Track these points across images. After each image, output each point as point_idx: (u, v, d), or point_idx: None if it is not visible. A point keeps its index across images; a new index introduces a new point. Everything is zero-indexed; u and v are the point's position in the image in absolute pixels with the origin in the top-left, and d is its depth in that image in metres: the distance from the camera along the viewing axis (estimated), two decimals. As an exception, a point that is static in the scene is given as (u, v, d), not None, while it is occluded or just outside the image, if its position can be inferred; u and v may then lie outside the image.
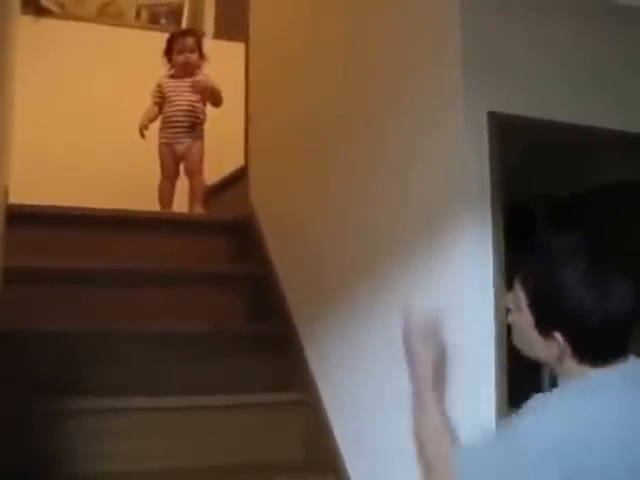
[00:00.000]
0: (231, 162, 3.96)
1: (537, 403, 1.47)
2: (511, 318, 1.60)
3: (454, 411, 2.06)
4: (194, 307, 3.17)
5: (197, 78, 4.17)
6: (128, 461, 2.58)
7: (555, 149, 2.45)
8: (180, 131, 4.13)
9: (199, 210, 4.04)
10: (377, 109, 2.50)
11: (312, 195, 2.99)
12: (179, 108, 4.14)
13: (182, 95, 4.15)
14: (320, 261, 2.88)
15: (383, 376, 2.38)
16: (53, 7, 4.78)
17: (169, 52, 4.19)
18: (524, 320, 1.55)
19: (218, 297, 3.28)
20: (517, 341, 1.63)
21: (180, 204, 4.17)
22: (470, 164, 2.04)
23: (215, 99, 4.18)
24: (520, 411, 1.49)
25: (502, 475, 1.43)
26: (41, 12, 4.70)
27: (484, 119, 2.05)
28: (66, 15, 4.85)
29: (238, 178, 3.89)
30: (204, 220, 3.89)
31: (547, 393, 1.50)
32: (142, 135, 4.11)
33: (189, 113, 4.15)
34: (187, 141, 4.12)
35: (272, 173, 3.49)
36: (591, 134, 2.21)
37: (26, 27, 4.23)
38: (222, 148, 4.00)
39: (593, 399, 1.43)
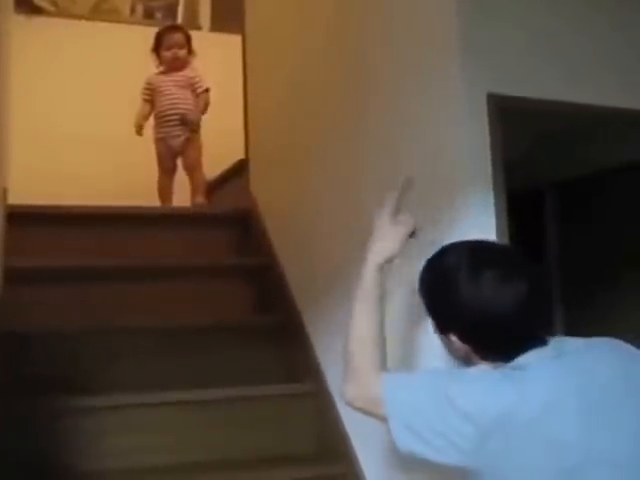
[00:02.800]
0: (232, 155, 3.95)
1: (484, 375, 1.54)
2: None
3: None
4: (199, 301, 3.17)
5: (187, 74, 4.16)
6: (137, 457, 2.58)
7: (558, 129, 2.43)
8: (172, 125, 4.14)
9: (201, 201, 4.05)
10: (374, 94, 2.49)
11: (313, 184, 2.98)
12: (169, 103, 4.13)
13: (171, 89, 4.14)
14: (322, 250, 2.87)
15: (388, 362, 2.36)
16: (46, 5, 4.77)
17: (157, 49, 4.18)
18: (434, 330, 1.68)
19: (222, 290, 3.28)
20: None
21: (180, 198, 4.18)
22: (470, 149, 2.01)
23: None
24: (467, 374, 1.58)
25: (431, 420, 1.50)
26: (35, 11, 4.69)
27: (484, 101, 2.02)
28: (60, 13, 4.85)
29: (239, 171, 3.88)
30: (206, 214, 3.90)
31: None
32: (139, 133, 4.12)
33: (179, 107, 4.14)
34: (181, 135, 4.12)
35: (272, 164, 3.48)
36: (595, 113, 2.19)
37: (20, 26, 4.22)
38: (223, 141, 3.98)
39: (529, 378, 1.49)
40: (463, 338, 1.58)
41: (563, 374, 1.50)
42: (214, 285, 3.27)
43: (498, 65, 2.09)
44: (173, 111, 4.12)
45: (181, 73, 4.17)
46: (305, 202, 3.05)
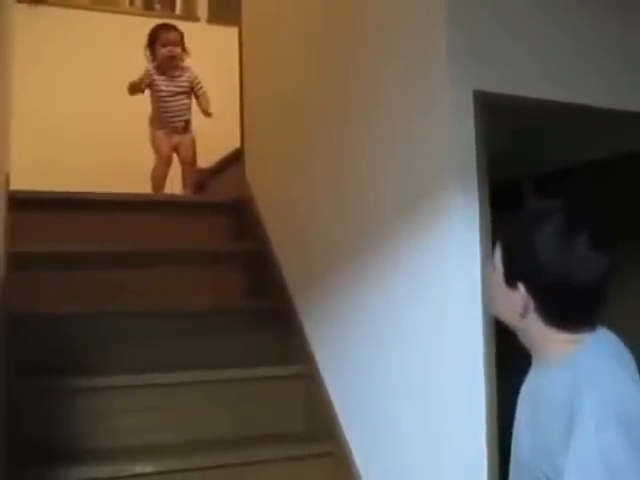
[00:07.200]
0: (228, 145, 4.02)
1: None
2: (489, 277, 1.67)
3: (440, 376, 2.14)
4: (195, 286, 3.24)
5: (188, 78, 4.25)
6: (133, 437, 2.66)
7: (541, 126, 2.51)
8: (178, 131, 4.24)
9: (190, 193, 4.16)
10: (364, 88, 2.56)
11: (305, 173, 3.05)
12: (176, 110, 4.23)
13: (177, 96, 4.23)
14: (313, 237, 2.95)
15: (377, 343, 2.46)
16: (48, -6, 4.82)
17: (152, 45, 4.24)
18: (496, 277, 1.60)
19: (218, 276, 3.35)
20: (489, 300, 1.71)
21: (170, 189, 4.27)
22: (456, 142, 2.09)
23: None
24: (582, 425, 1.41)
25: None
26: (36, 0, 4.74)
27: (470, 97, 2.10)
28: (61, 2, 4.90)
29: (235, 160, 3.95)
30: (203, 202, 3.96)
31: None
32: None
33: (184, 113, 4.25)
34: (181, 135, 4.24)
35: (267, 153, 3.54)
36: (577, 111, 2.26)
37: (21, 15, 4.27)
38: (220, 131, 4.06)
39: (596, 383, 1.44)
40: (531, 290, 1.52)
41: (627, 378, 1.48)
42: (210, 271, 3.34)
43: (484, 63, 2.16)
44: (180, 118, 4.23)
45: (183, 78, 4.26)
46: (299, 190, 3.11)
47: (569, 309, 1.52)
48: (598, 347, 1.51)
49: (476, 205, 2.06)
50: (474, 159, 2.09)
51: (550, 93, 2.20)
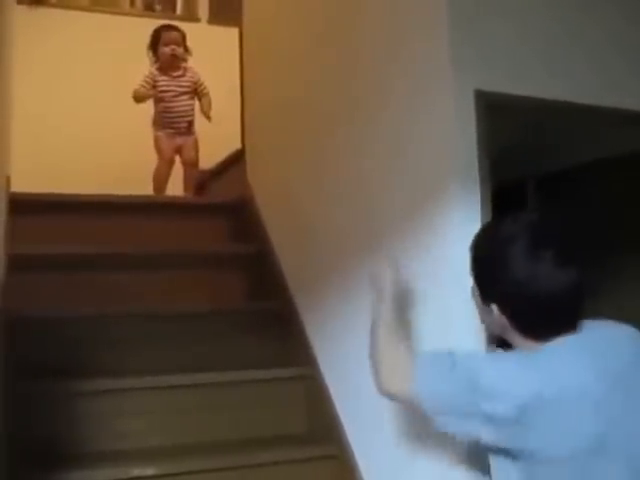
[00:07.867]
0: (229, 146, 4.02)
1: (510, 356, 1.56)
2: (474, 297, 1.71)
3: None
4: (196, 288, 3.23)
5: (192, 79, 4.25)
6: (136, 438, 2.65)
7: (544, 126, 2.50)
8: (181, 132, 4.25)
9: (190, 195, 4.18)
10: (366, 88, 2.55)
11: (306, 174, 3.05)
12: (178, 110, 4.24)
13: (181, 97, 4.24)
14: (316, 238, 2.94)
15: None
16: (48, -4, 4.83)
17: (155, 45, 4.24)
18: (477, 298, 1.67)
19: (219, 277, 3.34)
20: (479, 317, 1.74)
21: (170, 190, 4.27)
22: (458, 142, 2.08)
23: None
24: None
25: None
26: (36, 1, 4.75)
27: (471, 97, 2.09)
28: (61, 4, 4.91)
29: (236, 160, 3.95)
30: (204, 202, 3.97)
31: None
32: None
33: (187, 114, 4.25)
34: (184, 136, 4.25)
35: (268, 154, 3.54)
36: (581, 110, 2.26)
37: (21, 16, 4.27)
38: (221, 132, 4.06)
39: (555, 360, 1.52)
40: (504, 311, 1.57)
41: (584, 360, 1.52)
42: (211, 272, 3.33)
43: (487, 62, 2.16)
44: (183, 119, 4.24)
45: (186, 78, 4.26)
46: (300, 191, 3.11)
47: (541, 324, 1.57)
48: (573, 344, 1.54)
49: (478, 207, 2.06)
50: (476, 160, 2.09)
51: (554, 92, 2.19)
